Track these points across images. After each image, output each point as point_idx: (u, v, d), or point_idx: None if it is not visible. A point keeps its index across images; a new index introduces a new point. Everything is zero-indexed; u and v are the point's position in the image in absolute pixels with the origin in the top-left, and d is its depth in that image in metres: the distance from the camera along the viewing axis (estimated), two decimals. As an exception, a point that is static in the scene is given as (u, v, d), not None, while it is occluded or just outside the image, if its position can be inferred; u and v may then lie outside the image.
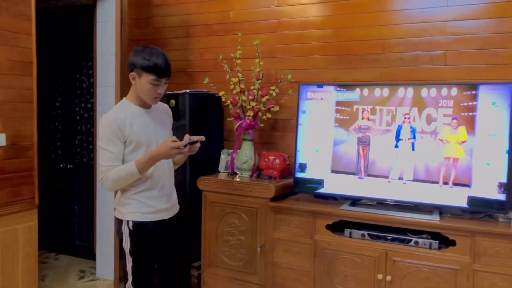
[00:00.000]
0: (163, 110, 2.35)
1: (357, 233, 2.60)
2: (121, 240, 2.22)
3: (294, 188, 2.91)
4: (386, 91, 2.64)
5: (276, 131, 3.26)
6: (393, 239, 2.52)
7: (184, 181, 3.09)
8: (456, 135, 2.48)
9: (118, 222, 2.24)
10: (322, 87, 2.83)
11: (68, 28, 4.12)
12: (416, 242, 2.46)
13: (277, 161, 2.99)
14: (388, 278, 2.48)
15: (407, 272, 2.44)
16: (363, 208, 2.65)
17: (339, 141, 2.76)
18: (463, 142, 2.46)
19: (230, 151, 3.20)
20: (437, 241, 2.42)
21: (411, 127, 2.59)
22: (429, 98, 2.54)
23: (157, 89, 2.14)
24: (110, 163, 2.09)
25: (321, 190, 2.80)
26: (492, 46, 2.64)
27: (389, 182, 2.63)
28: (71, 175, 4.17)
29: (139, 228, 2.17)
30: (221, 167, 3.25)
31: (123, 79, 3.51)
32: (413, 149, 2.58)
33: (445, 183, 2.49)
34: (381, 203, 2.68)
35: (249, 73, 3.12)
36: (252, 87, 3.06)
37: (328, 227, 2.66)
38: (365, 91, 2.69)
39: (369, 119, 2.68)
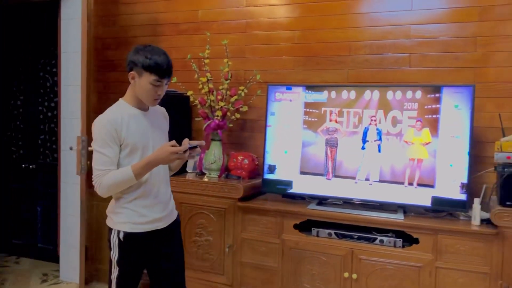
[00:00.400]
0: (161, 113, 2.26)
1: (324, 232, 2.64)
2: (109, 248, 2.12)
3: (262, 188, 2.92)
4: (353, 93, 2.68)
5: (245, 131, 3.27)
6: (359, 238, 2.56)
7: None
8: (420, 137, 2.54)
9: (109, 230, 2.14)
10: (290, 89, 2.85)
11: (30, 25, 4.00)
12: (381, 241, 2.51)
13: (246, 161, 2.99)
14: (354, 276, 2.52)
15: (373, 270, 2.49)
16: (330, 208, 2.69)
17: (308, 143, 2.79)
18: (427, 143, 2.53)
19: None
20: (401, 240, 2.48)
21: (377, 129, 2.64)
22: (394, 101, 2.60)
23: (158, 90, 2.04)
24: (104, 167, 1.98)
25: (289, 190, 2.82)
26: (454, 50, 2.73)
27: (356, 183, 2.68)
28: (34, 176, 4.05)
29: (129, 240, 2.07)
30: (189, 168, 3.23)
31: (89, 78, 3.45)
32: (379, 151, 2.63)
33: (410, 183, 2.56)
34: (347, 203, 2.73)
35: (217, 73, 3.11)
36: (220, 87, 3.06)
37: (296, 226, 2.69)
38: (333, 93, 2.73)
39: (336, 121, 2.72)
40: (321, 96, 2.76)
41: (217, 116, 3.00)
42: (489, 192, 2.57)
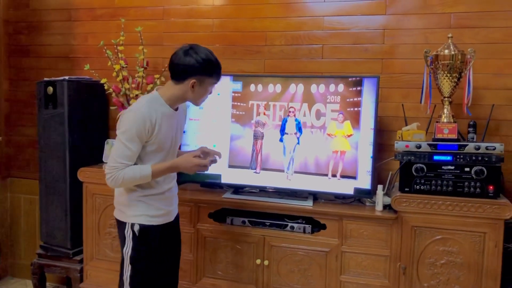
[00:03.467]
0: (182, 111, 2.22)
1: (238, 220, 2.67)
2: (122, 246, 2.09)
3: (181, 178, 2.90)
4: (278, 85, 2.68)
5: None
6: (271, 225, 2.61)
7: (63, 173, 2.95)
8: (342, 129, 2.59)
9: (120, 225, 2.10)
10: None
11: None
12: (292, 227, 2.58)
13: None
14: (266, 262, 2.57)
15: (283, 256, 2.56)
16: (245, 196, 2.72)
17: (236, 137, 2.78)
18: (349, 136, 2.59)
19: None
20: (310, 226, 2.55)
21: (296, 120, 2.68)
22: (317, 94, 2.62)
23: (211, 91, 2.09)
24: (125, 161, 1.96)
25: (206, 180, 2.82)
26: (363, 42, 2.82)
27: (286, 175, 2.69)
28: None
29: (145, 233, 2.05)
30: (105, 157, 3.14)
31: (0, 63, 3.27)
32: (298, 143, 2.67)
33: (334, 175, 2.61)
34: (263, 191, 2.77)
35: (133, 60, 3.04)
36: (136, 75, 2.99)
37: (211, 215, 2.70)
38: (259, 86, 2.72)
39: (265, 114, 2.72)
40: (246, 87, 2.74)
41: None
42: (394, 179, 2.69)
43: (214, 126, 2.83)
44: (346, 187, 2.58)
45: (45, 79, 3.01)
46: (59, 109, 2.93)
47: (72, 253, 3.02)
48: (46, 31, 3.45)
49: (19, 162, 3.60)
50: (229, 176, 2.79)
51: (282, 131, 2.69)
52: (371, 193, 2.55)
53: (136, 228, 2.05)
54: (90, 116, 3.11)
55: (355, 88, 2.56)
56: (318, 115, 2.64)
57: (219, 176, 2.80)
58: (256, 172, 2.75)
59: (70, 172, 2.95)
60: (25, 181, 3.57)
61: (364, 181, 2.55)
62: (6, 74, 3.54)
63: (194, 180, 2.88)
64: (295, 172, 2.67)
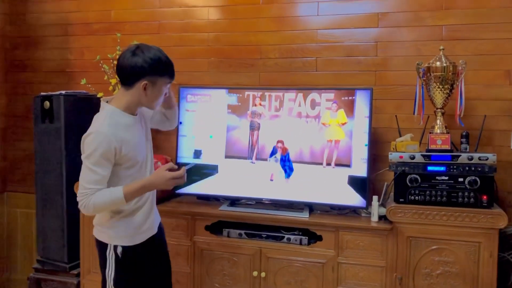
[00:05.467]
0: (140, 112, 2.02)
1: (234, 232, 2.67)
2: (102, 266, 1.98)
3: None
4: (274, 97, 2.71)
5: (159, 133, 3.23)
6: (267, 237, 2.62)
7: (60, 188, 2.96)
8: (336, 118, 2.61)
9: (101, 246, 1.97)
10: (203, 89, 2.88)
11: None
12: (288, 239, 2.59)
13: (159, 163, 2.96)
14: (263, 274, 2.58)
15: (280, 268, 2.57)
16: (241, 208, 2.73)
17: (232, 127, 2.79)
18: (343, 124, 2.60)
19: (111, 154, 3.11)
20: (307, 237, 2.56)
21: (282, 158, 2.70)
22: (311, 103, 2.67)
23: (165, 92, 1.94)
24: (93, 186, 1.81)
25: (204, 192, 2.83)
26: (357, 54, 2.86)
27: (276, 161, 2.71)
28: None
29: (128, 254, 1.95)
30: (102, 171, 3.16)
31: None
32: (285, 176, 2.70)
33: (328, 164, 2.62)
34: (259, 202, 2.78)
35: (130, 75, 3.06)
36: (132, 89, 3.01)
37: (208, 228, 2.71)
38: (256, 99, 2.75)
39: (260, 104, 2.74)
40: (239, 98, 2.78)
41: (129, 118, 2.96)
42: (389, 189, 2.71)
43: (210, 117, 2.84)
44: (341, 176, 2.59)
45: (42, 93, 3.03)
46: (56, 123, 2.94)
47: (69, 267, 3.01)
48: (43, 46, 3.48)
49: (15, 176, 3.61)
50: (225, 167, 2.79)
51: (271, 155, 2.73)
52: (366, 180, 2.55)
53: (119, 250, 1.93)
54: (85, 130, 3.10)
55: (347, 98, 2.60)
56: (313, 104, 2.66)
57: (216, 167, 2.81)
58: (252, 162, 2.76)
59: (67, 186, 2.95)
60: (22, 195, 3.57)
61: (359, 169, 2.57)
62: (2, 89, 3.56)
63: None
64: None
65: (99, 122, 1.88)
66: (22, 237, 3.59)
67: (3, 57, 3.56)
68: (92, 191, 1.82)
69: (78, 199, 1.85)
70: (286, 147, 2.70)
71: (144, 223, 2.01)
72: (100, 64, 3.01)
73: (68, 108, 2.97)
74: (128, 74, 1.85)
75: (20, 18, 3.53)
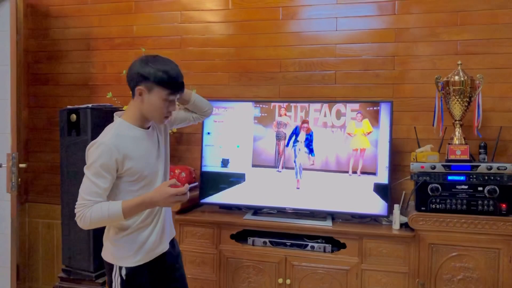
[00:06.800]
0: (156, 128, 1.97)
1: (259, 241, 2.76)
2: (109, 287, 1.91)
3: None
4: (299, 107, 2.81)
5: (182, 145, 3.34)
6: (291, 245, 2.71)
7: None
8: (361, 128, 2.70)
9: (107, 266, 1.90)
10: (228, 102, 2.98)
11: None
12: (312, 247, 2.67)
13: (183, 174, 3.05)
14: (288, 281, 2.66)
15: (305, 275, 2.65)
16: (265, 217, 2.82)
17: (258, 137, 2.87)
18: (368, 133, 2.69)
19: (135, 165, 3.20)
20: (330, 245, 2.65)
21: (307, 136, 2.78)
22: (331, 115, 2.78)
23: (169, 107, 1.83)
24: (91, 198, 1.74)
25: (226, 201, 2.92)
26: (374, 68, 2.97)
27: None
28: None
29: (133, 276, 1.86)
30: (126, 182, 3.24)
31: (19, 92, 3.36)
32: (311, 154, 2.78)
33: (354, 172, 2.71)
34: (281, 211, 2.87)
35: (153, 88, 3.15)
36: (156, 102, 3.11)
37: (232, 236, 2.79)
38: (281, 110, 2.85)
39: (286, 114, 2.83)
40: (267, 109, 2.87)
41: (154, 130, 3.04)
42: (408, 198, 2.81)
43: (237, 128, 2.93)
44: (366, 183, 2.67)
45: (68, 106, 3.11)
46: (83, 136, 3.02)
47: (95, 276, 3.08)
48: (65, 60, 3.58)
49: (37, 187, 3.68)
50: (253, 175, 2.87)
51: (292, 137, 2.80)
52: (388, 188, 2.64)
53: (124, 272, 1.85)
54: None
55: (372, 108, 2.70)
56: (338, 115, 2.75)
57: (243, 175, 2.90)
58: (278, 171, 2.84)
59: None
60: (43, 205, 3.64)
61: (384, 177, 2.66)
62: (25, 102, 3.65)
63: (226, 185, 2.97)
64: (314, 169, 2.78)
65: (105, 133, 1.85)
66: (44, 247, 3.65)
67: (25, 71, 3.65)
68: (91, 203, 1.74)
69: (75, 210, 1.76)
70: (310, 128, 2.78)
71: (152, 241, 1.91)
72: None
73: (95, 121, 3.06)
74: (129, 80, 1.83)
75: (43, 33, 3.62)
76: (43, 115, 3.64)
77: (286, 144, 2.81)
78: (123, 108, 3.13)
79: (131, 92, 1.87)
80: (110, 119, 3.22)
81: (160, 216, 1.96)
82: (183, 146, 3.34)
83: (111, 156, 1.75)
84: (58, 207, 3.26)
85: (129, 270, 1.86)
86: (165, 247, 2.00)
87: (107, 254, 1.92)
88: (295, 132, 2.81)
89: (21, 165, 3.14)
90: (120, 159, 1.77)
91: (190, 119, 2.20)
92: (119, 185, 1.82)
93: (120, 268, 1.86)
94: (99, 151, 1.76)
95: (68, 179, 3.11)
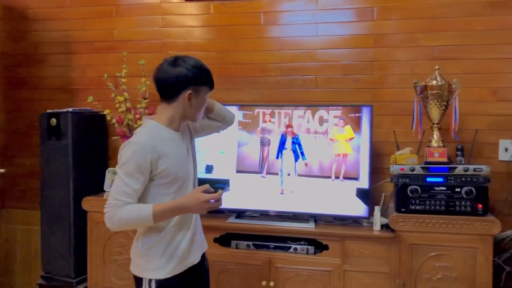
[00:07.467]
0: (186, 127, 1.95)
1: (242, 244, 2.77)
2: None
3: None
4: (283, 114, 2.84)
5: (163, 149, 3.32)
6: (275, 247, 2.73)
7: (67, 203, 3.00)
8: (343, 134, 2.75)
9: (136, 282, 1.83)
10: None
11: None
12: (295, 249, 2.70)
13: (165, 178, 3.05)
14: (272, 283, 2.68)
15: (288, 277, 2.67)
16: (248, 220, 2.83)
17: (243, 143, 2.89)
18: (351, 139, 2.74)
19: (116, 169, 3.18)
20: (313, 247, 2.68)
21: (293, 139, 2.82)
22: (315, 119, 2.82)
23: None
24: (123, 198, 1.70)
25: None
26: (354, 73, 3.02)
27: (289, 175, 2.82)
28: None
29: None
30: (107, 186, 3.20)
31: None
32: (295, 159, 2.81)
33: (337, 177, 2.75)
34: (264, 214, 2.89)
35: (134, 91, 3.15)
36: (138, 106, 3.10)
37: (216, 240, 2.80)
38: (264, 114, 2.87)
39: (270, 121, 2.85)
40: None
41: (136, 134, 3.03)
42: (387, 200, 2.87)
43: (221, 133, 2.92)
44: (349, 188, 2.72)
45: (48, 111, 3.08)
46: (63, 140, 3.00)
47: (76, 282, 3.04)
48: (44, 64, 3.53)
49: (14, 193, 3.61)
50: (237, 181, 2.88)
51: (281, 147, 2.83)
52: (369, 192, 2.70)
53: (153, 286, 1.78)
54: (92, 147, 3.19)
55: (354, 114, 2.76)
56: (321, 121, 2.80)
57: (227, 181, 2.91)
58: (263, 177, 2.86)
59: (74, 202, 3.00)
60: (21, 211, 3.58)
61: (366, 182, 2.71)
62: (3, 106, 3.58)
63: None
64: (299, 175, 2.82)
65: (139, 134, 1.81)
66: (22, 253, 3.58)
67: (3, 75, 3.58)
68: (121, 204, 1.71)
69: (105, 210, 1.74)
70: (295, 132, 2.81)
71: (182, 248, 1.85)
72: (108, 82, 3.09)
73: (76, 125, 3.03)
74: (171, 86, 1.79)
75: (21, 36, 3.56)
76: (23, 119, 3.58)
77: (276, 156, 2.83)
78: (105, 112, 3.12)
79: (162, 98, 1.83)
80: (91, 123, 3.23)
81: (191, 223, 1.91)
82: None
83: (145, 156, 1.72)
84: (37, 212, 3.23)
85: (159, 282, 1.79)
86: (195, 259, 1.93)
87: (135, 267, 1.86)
88: (282, 140, 2.84)
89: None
90: (155, 159, 1.73)
91: (213, 127, 2.18)
92: (150, 189, 1.78)
93: (150, 281, 1.79)
94: (133, 150, 1.72)
95: (48, 184, 3.07)
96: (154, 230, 1.81)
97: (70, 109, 3.07)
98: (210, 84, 1.88)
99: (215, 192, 1.77)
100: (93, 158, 3.20)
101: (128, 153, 1.72)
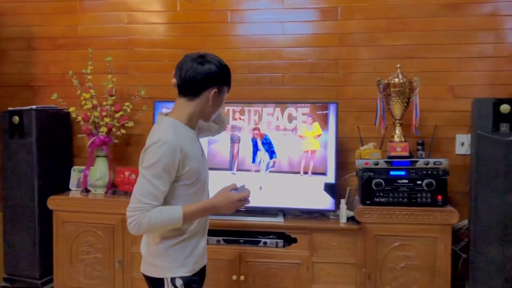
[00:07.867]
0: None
1: (212, 239, 2.79)
2: None
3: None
4: (252, 111, 2.88)
5: (131, 147, 3.30)
6: (245, 242, 2.77)
7: (31, 202, 2.94)
8: (312, 131, 2.82)
9: (153, 282, 1.74)
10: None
11: None
12: (265, 243, 2.76)
13: (133, 176, 3.03)
14: (242, 278, 2.72)
15: (258, 271, 2.72)
16: (218, 216, 2.84)
17: (213, 140, 2.89)
18: (319, 136, 2.82)
19: (82, 168, 3.13)
20: (282, 240, 2.75)
21: (263, 139, 2.87)
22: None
23: None
24: (150, 201, 1.60)
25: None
26: (319, 71, 3.11)
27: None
28: None
29: (190, 286, 1.72)
30: (72, 185, 3.16)
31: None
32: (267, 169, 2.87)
33: (305, 173, 2.83)
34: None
35: (99, 89, 3.10)
36: (104, 103, 3.07)
37: (186, 236, 2.81)
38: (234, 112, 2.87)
39: (240, 118, 2.89)
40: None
41: (102, 132, 3.00)
42: (352, 193, 2.97)
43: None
44: (317, 183, 2.80)
45: (10, 108, 3.00)
46: (27, 138, 2.93)
47: (41, 283, 2.98)
48: (4, 60, 3.43)
49: (-27, 193, 3.49)
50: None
51: (255, 150, 2.88)
52: (335, 186, 2.79)
53: (179, 283, 1.70)
54: (56, 145, 3.13)
55: (322, 112, 2.84)
56: (290, 118, 2.86)
57: None
58: (233, 173, 2.90)
59: (39, 201, 2.94)
60: (-20, 212, 3.45)
61: (330, 176, 2.80)
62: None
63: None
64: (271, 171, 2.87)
65: (162, 131, 1.68)
66: (-19, 256, 3.46)
67: (-42, 71, 3.45)
68: (148, 207, 1.61)
69: (129, 214, 1.62)
70: (262, 133, 2.87)
71: (198, 252, 1.81)
72: (73, 79, 3.04)
73: (39, 123, 2.97)
74: (198, 83, 1.71)
75: (-23, 31, 3.45)
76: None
77: (252, 160, 2.87)
78: (70, 110, 3.06)
79: (185, 94, 1.74)
80: (56, 121, 3.16)
81: (207, 225, 1.89)
82: (133, 147, 3.30)
83: (174, 156, 1.63)
84: (-1, 213, 3.13)
85: (186, 279, 1.72)
86: (205, 260, 1.91)
87: (151, 268, 1.76)
88: (254, 144, 2.89)
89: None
90: (182, 159, 1.65)
91: (212, 130, 2.09)
92: (175, 189, 1.70)
93: (173, 279, 1.70)
94: (163, 150, 1.61)
95: (10, 183, 3.00)
96: (177, 229, 1.73)
97: (34, 107, 3.00)
98: (230, 85, 1.85)
99: (236, 190, 1.75)
100: (58, 157, 3.15)
101: (158, 153, 1.62)
